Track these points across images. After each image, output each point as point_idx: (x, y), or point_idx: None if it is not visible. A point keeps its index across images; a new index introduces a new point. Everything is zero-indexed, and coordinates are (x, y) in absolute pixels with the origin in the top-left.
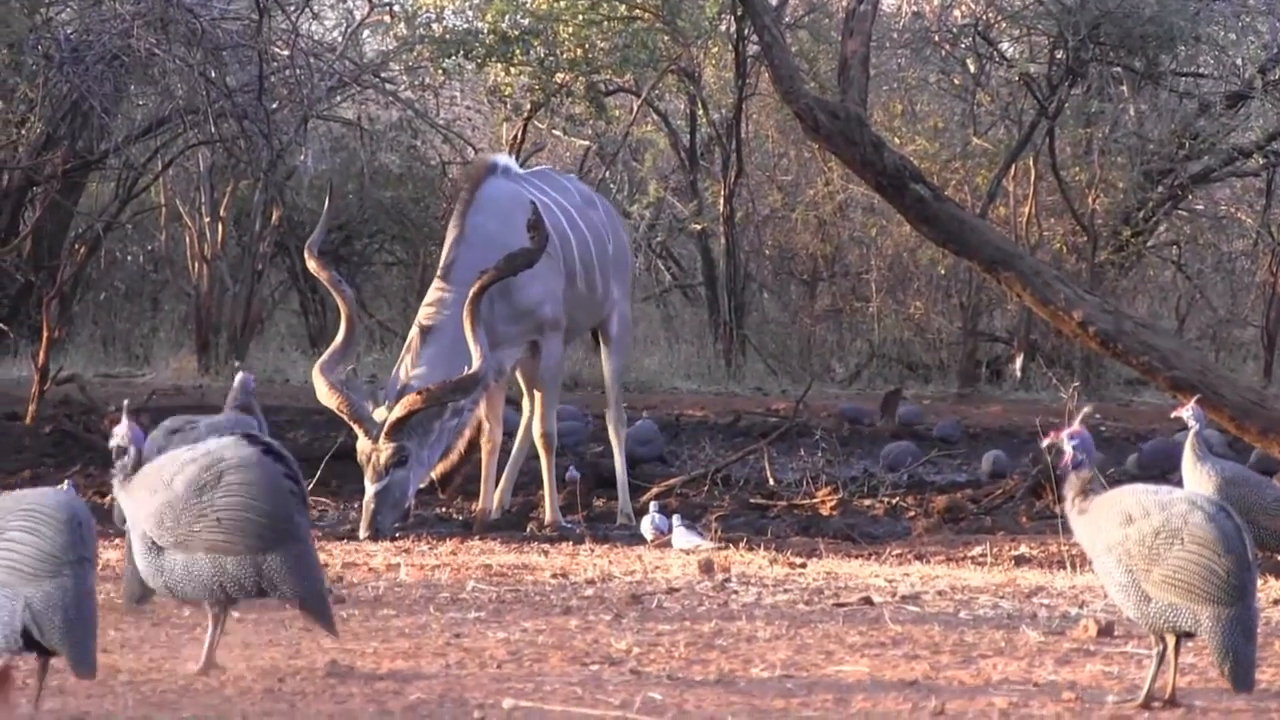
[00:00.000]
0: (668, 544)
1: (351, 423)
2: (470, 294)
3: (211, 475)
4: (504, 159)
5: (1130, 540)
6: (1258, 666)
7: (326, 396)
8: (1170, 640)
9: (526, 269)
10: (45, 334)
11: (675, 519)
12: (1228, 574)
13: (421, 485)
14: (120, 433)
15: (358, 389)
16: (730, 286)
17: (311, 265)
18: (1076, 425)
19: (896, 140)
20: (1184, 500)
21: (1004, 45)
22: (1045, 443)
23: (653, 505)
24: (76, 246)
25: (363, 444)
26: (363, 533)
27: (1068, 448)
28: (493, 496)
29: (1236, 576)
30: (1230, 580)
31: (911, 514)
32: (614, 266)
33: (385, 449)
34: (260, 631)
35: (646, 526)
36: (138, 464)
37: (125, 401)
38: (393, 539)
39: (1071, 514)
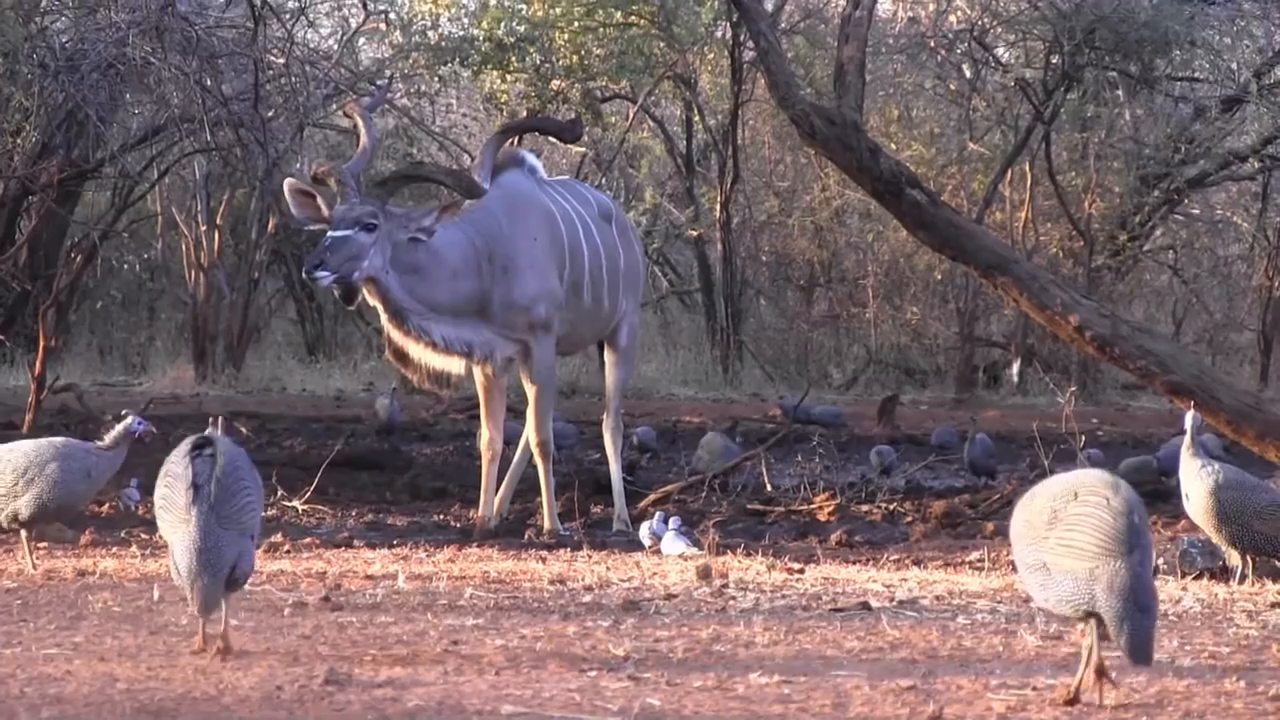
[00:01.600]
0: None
1: (336, 187)
2: (500, 128)
3: None
4: (533, 158)
5: (1033, 512)
6: (1265, 667)
7: (319, 165)
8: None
9: (549, 132)
10: (41, 343)
11: (672, 522)
12: (1115, 519)
13: (369, 298)
14: None
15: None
16: (727, 293)
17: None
18: None
19: (893, 145)
20: (1087, 472)
21: (999, 50)
22: None
23: (658, 514)
24: (73, 255)
25: (339, 208)
26: (307, 265)
27: None
28: (492, 504)
29: (1124, 528)
30: (1119, 527)
31: (909, 519)
32: (625, 279)
33: (364, 205)
34: (258, 639)
35: (644, 533)
36: None
37: None
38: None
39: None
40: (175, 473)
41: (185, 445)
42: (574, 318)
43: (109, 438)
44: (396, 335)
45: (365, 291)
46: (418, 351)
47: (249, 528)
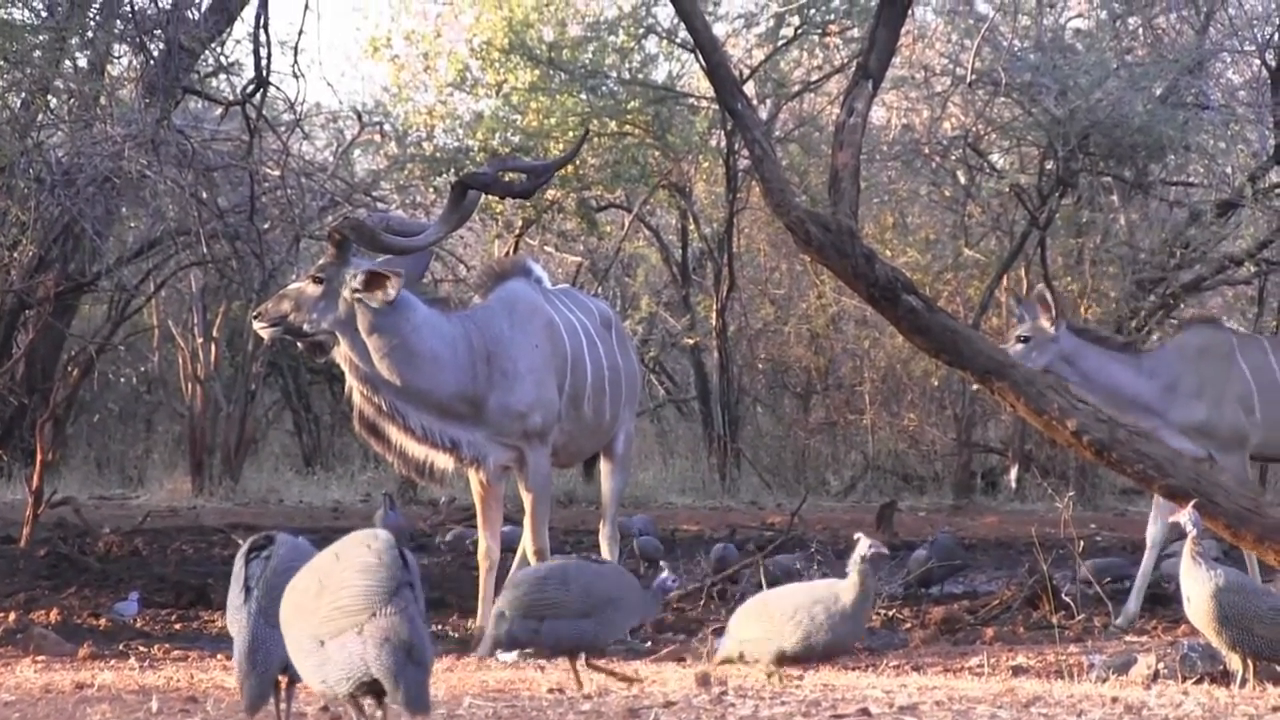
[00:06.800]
0: (663, 658)
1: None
2: (457, 196)
3: None
4: (539, 269)
5: (305, 592)
6: None
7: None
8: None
9: (512, 194)
10: (39, 456)
11: None
12: (380, 565)
13: (338, 359)
14: None
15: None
16: (724, 400)
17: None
18: None
19: (888, 252)
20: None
21: (994, 157)
22: None
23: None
24: (70, 369)
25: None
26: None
27: None
28: (490, 614)
29: (387, 577)
30: (380, 578)
31: (908, 625)
32: (625, 390)
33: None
34: None
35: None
36: None
37: None
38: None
39: None
40: (234, 573)
41: (245, 545)
42: (573, 429)
43: None
44: (369, 410)
45: (335, 353)
46: (396, 435)
47: None
